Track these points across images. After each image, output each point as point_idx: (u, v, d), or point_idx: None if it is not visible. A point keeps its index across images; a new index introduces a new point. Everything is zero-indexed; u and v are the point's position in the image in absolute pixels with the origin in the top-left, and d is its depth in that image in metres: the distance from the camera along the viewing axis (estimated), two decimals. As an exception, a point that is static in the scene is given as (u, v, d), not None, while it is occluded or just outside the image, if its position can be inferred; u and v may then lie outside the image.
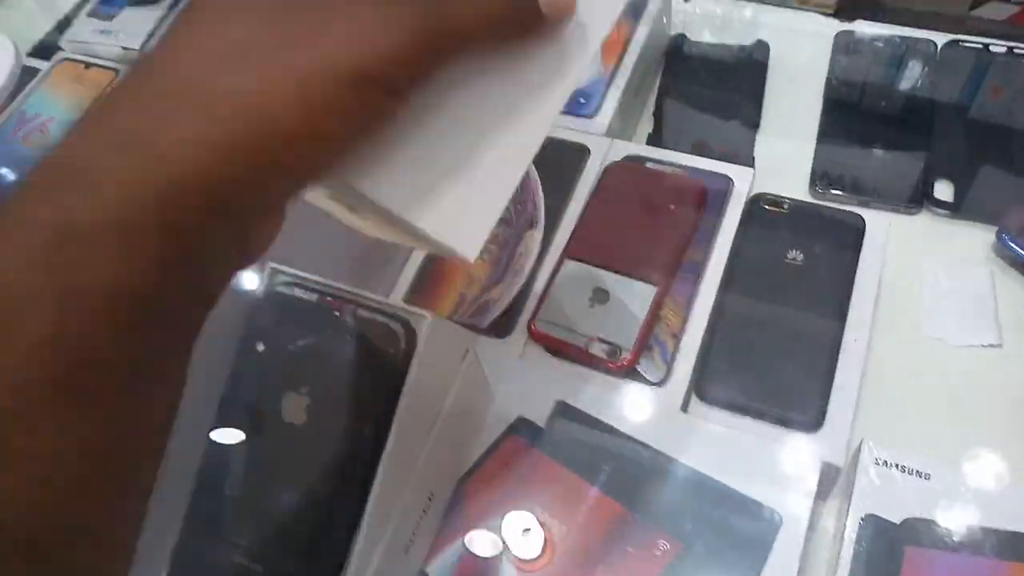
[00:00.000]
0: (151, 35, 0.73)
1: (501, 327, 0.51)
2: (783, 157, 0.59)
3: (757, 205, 0.53)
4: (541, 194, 0.56)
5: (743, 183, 0.54)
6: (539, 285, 0.52)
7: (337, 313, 0.39)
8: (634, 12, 0.64)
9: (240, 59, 0.22)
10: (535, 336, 0.50)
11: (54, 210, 0.20)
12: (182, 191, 0.21)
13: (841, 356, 0.47)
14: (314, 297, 0.40)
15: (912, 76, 0.62)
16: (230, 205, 0.21)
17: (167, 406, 0.23)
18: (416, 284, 0.54)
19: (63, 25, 0.80)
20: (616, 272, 0.50)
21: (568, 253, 0.52)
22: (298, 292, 0.40)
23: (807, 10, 0.68)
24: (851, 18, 0.66)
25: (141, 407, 0.22)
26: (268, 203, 0.23)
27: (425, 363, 0.37)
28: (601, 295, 0.50)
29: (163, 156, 0.21)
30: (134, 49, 0.73)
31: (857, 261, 0.51)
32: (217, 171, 0.21)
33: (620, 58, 0.61)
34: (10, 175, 0.69)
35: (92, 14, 0.77)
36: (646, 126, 0.63)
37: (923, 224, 0.55)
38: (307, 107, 0.22)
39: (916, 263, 0.53)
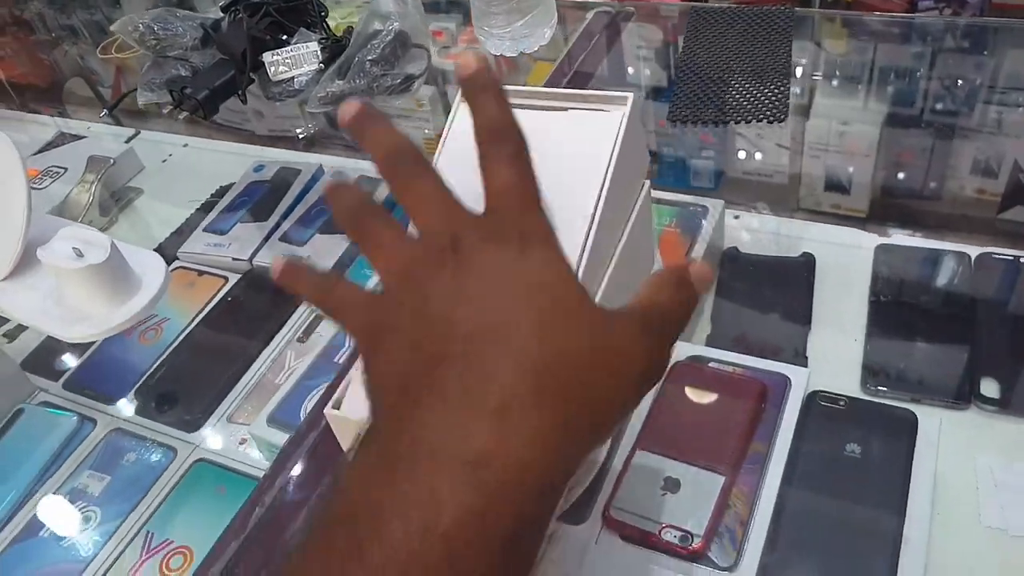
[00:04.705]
0: (258, 249, 0.83)
1: (576, 515, 0.55)
2: (835, 356, 0.64)
3: (814, 402, 0.58)
4: (611, 390, 0.61)
5: (799, 381, 0.58)
6: (612, 475, 0.56)
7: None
8: (692, 228, 0.71)
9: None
10: (609, 523, 0.53)
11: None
12: None
13: (903, 548, 0.49)
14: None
15: (950, 283, 0.67)
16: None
17: None
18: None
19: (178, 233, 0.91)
20: (686, 462, 0.54)
21: (640, 444, 0.57)
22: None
23: (847, 225, 0.75)
24: (884, 223, 0.73)
25: None
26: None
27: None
28: (672, 484, 0.54)
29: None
30: (243, 259, 0.82)
31: (912, 455, 0.54)
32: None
33: (680, 269, 0.68)
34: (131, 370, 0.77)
35: (208, 229, 0.87)
36: (704, 327, 0.69)
37: (972, 419, 0.59)
38: None
39: (969, 457, 0.56)
